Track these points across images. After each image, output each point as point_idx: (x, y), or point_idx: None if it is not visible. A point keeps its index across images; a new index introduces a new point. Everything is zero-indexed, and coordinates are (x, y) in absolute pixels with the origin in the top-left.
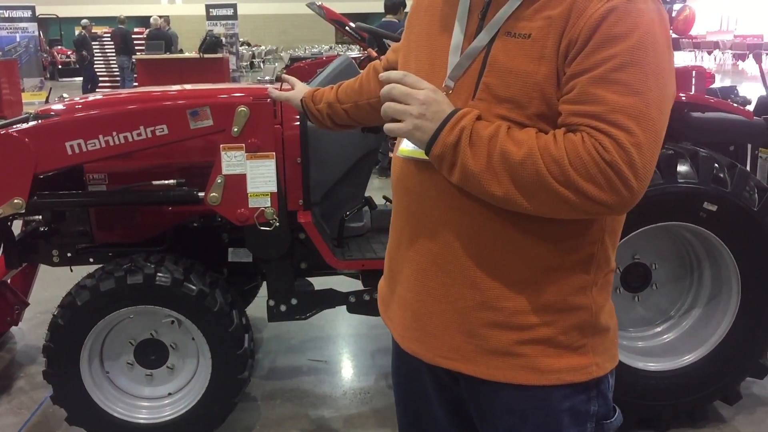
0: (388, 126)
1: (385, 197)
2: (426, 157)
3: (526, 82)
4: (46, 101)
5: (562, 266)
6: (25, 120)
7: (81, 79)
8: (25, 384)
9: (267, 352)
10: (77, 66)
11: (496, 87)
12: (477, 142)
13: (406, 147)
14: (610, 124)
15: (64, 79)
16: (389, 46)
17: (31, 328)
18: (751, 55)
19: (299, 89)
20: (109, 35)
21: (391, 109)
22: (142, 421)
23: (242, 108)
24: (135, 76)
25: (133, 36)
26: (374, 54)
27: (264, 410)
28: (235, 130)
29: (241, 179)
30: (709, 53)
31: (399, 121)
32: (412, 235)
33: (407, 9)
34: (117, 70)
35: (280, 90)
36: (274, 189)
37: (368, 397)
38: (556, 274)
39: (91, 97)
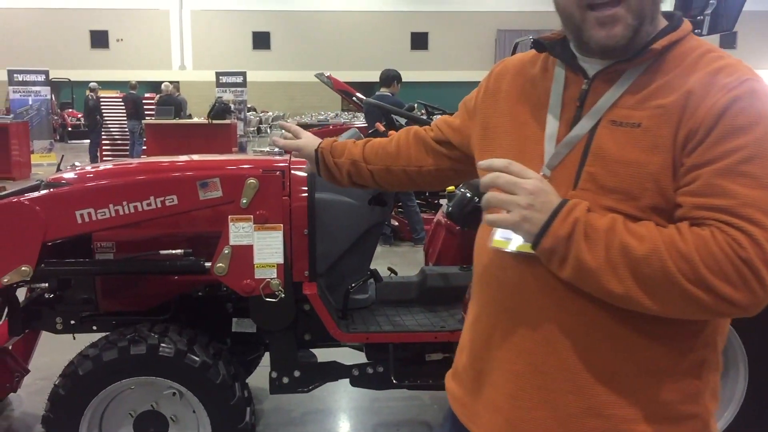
0: (490, 217)
1: (389, 268)
2: (531, 251)
3: (637, 173)
4: (58, 169)
5: (676, 371)
6: (37, 188)
7: (89, 141)
8: None
9: (267, 424)
10: (86, 129)
11: (602, 177)
12: (592, 235)
13: (501, 238)
14: (743, 218)
15: (73, 141)
16: (398, 121)
17: (30, 395)
18: None
19: (309, 139)
20: (120, 99)
21: (496, 199)
22: None
23: (251, 180)
24: (144, 140)
25: (143, 101)
26: (382, 128)
27: None
28: (244, 201)
29: (248, 250)
30: None
31: (495, 210)
32: (505, 332)
33: (402, 82)
34: (125, 133)
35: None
36: (281, 260)
37: None
38: (669, 379)
39: (102, 166)
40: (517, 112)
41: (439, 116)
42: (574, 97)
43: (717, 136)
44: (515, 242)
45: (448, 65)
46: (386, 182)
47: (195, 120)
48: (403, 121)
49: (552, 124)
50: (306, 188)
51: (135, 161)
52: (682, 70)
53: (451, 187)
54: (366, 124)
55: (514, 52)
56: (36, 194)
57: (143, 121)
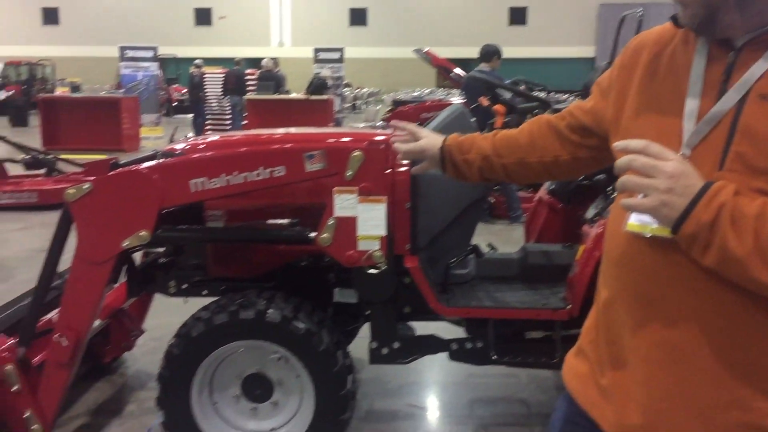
0: (626, 202)
1: (489, 244)
2: (669, 236)
3: None
4: (171, 140)
5: None
6: (153, 158)
7: (192, 116)
8: (136, 408)
9: (365, 394)
10: (189, 104)
11: (751, 157)
12: (740, 222)
13: (637, 222)
14: None
15: (178, 116)
16: (502, 96)
17: (143, 354)
18: None
19: (431, 138)
20: (221, 75)
21: (632, 183)
22: None
23: (357, 152)
24: (245, 115)
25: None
26: (486, 102)
27: None
28: (349, 173)
29: (352, 222)
30: None
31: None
32: (641, 320)
33: (502, 57)
34: (226, 108)
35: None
36: (384, 233)
37: None
38: None
39: (213, 138)
40: (655, 88)
41: (539, 93)
42: (718, 71)
43: None
44: (652, 226)
45: (547, 41)
46: (520, 176)
47: (293, 95)
48: (507, 95)
49: (693, 100)
50: (409, 161)
51: (243, 133)
52: None
53: None
54: (464, 100)
55: (620, 27)
56: (153, 163)
57: (245, 97)
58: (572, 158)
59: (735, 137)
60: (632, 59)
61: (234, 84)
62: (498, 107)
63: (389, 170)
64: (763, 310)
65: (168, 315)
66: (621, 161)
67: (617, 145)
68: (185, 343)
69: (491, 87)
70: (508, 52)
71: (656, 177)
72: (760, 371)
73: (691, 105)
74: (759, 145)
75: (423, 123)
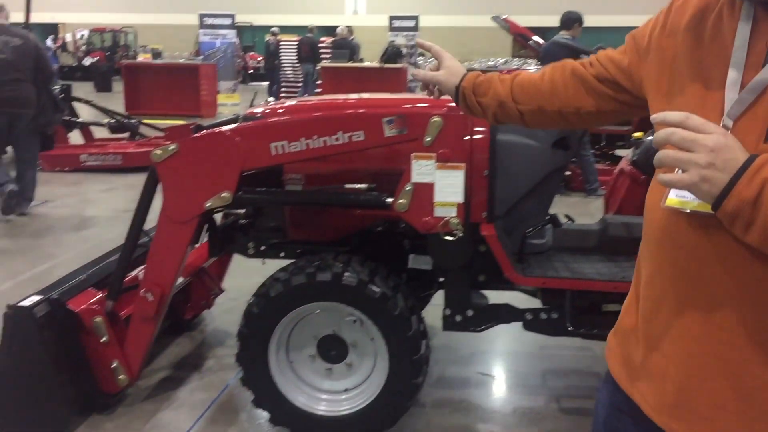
0: (664, 177)
1: (566, 216)
2: (710, 212)
3: None
4: (251, 105)
5: None
6: (234, 121)
7: (267, 83)
8: (214, 364)
9: (436, 360)
10: (265, 71)
11: None
12: None
13: (676, 198)
14: None
15: (253, 83)
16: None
17: (221, 314)
18: None
19: (452, 69)
20: (296, 43)
21: (671, 158)
22: (320, 413)
23: (436, 118)
24: (319, 83)
25: (319, 45)
26: None
27: (432, 417)
28: (428, 139)
29: (429, 188)
30: None
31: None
32: (681, 298)
33: (583, 25)
34: (299, 76)
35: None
36: (461, 200)
37: (538, 418)
38: None
39: (292, 102)
40: (699, 52)
41: None
42: (764, 37)
43: None
44: (692, 203)
45: (629, 9)
46: (536, 122)
47: (367, 63)
48: None
49: (736, 68)
50: (488, 129)
51: (322, 98)
52: None
53: (639, 134)
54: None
55: None
56: (236, 126)
57: (318, 65)
58: (596, 110)
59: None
60: (675, 20)
61: (307, 52)
62: None
63: (468, 137)
64: None
65: (244, 276)
66: (659, 134)
67: (655, 117)
68: (264, 302)
69: (575, 52)
70: (589, 21)
71: (696, 151)
72: None
73: (734, 73)
74: None
75: None
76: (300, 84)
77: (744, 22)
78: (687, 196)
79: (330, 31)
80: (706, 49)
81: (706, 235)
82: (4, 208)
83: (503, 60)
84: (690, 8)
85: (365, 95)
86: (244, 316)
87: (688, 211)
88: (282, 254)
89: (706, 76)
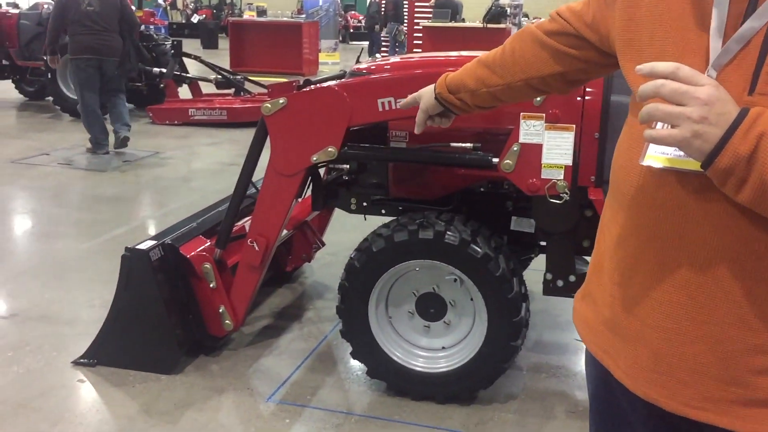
0: (652, 133)
1: None
2: (697, 170)
3: None
4: (357, 61)
5: None
6: (342, 77)
7: (367, 43)
8: (314, 316)
9: (533, 325)
10: (365, 31)
11: None
12: None
13: (657, 154)
14: None
15: (354, 42)
16: None
17: (320, 267)
18: None
19: (422, 90)
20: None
21: (660, 111)
22: (417, 369)
23: None
24: (403, 43)
25: (420, 4)
26: None
27: (528, 381)
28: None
29: (537, 149)
30: None
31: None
32: (660, 260)
33: None
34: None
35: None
36: (569, 162)
37: None
38: None
39: (395, 59)
40: (675, 2)
41: None
42: None
43: None
44: (676, 159)
45: None
46: (508, 98)
47: (469, 24)
48: None
49: (719, 14)
50: (602, 90)
51: (429, 55)
52: None
53: None
54: None
55: None
56: (343, 81)
57: (403, 26)
58: (562, 73)
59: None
60: None
61: (391, 10)
62: None
63: (580, 98)
64: None
65: (344, 232)
66: (645, 87)
67: (641, 68)
68: (366, 257)
69: None
70: None
71: (688, 104)
72: None
73: (718, 19)
74: None
75: None
76: (397, 43)
77: None
78: (669, 152)
79: None
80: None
81: (692, 194)
82: (118, 143)
83: None
84: None
85: (469, 53)
86: (345, 270)
87: (673, 169)
88: (383, 211)
89: (682, 23)
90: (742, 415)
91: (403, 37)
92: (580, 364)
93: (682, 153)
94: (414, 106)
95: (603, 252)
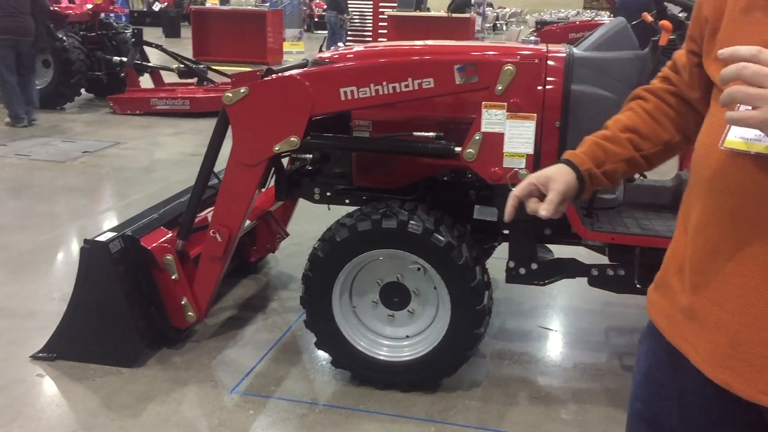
0: (734, 115)
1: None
2: None
3: None
4: (320, 50)
5: None
6: (304, 66)
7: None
8: (278, 306)
9: (497, 312)
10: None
11: None
12: None
13: (738, 139)
14: None
15: (318, 32)
16: (670, 11)
17: (285, 258)
18: None
19: (556, 179)
20: None
21: (741, 93)
22: (381, 358)
23: (509, 67)
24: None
25: None
26: (650, 18)
27: (492, 368)
28: (499, 88)
29: (499, 138)
30: None
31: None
32: (739, 243)
33: None
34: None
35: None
36: (531, 151)
37: (599, 374)
38: None
39: (359, 48)
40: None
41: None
42: None
43: None
44: (757, 144)
45: None
46: (662, 159)
47: (434, 13)
48: (676, 10)
49: None
50: (562, 79)
51: (393, 44)
52: None
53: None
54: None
55: None
56: (306, 70)
57: (345, 15)
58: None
59: None
60: None
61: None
62: (664, 23)
63: (541, 87)
64: None
65: (308, 222)
66: (727, 70)
67: (722, 52)
68: (329, 246)
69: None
70: None
71: (765, 86)
72: None
73: None
74: None
75: (572, 43)
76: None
77: None
78: (751, 136)
79: None
80: None
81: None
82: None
83: (575, 12)
84: None
85: (433, 42)
86: (309, 260)
87: (753, 152)
88: (347, 201)
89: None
90: None
91: (343, 25)
92: (543, 351)
93: (762, 136)
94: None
95: (682, 240)
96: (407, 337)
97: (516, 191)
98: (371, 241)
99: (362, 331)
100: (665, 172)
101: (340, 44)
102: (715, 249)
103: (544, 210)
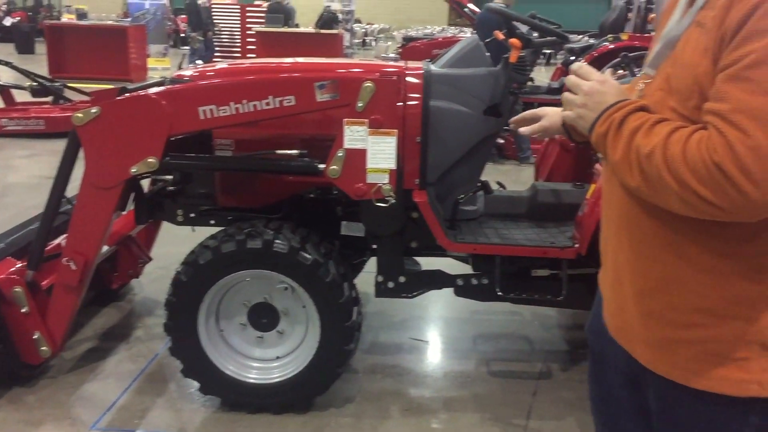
0: (562, 113)
1: (498, 182)
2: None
3: (689, 75)
4: (179, 68)
5: (723, 271)
6: (161, 84)
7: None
8: (143, 334)
9: (369, 326)
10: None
11: (672, 78)
12: (622, 134)
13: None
14: (729, 123)
15: (185, 48)
16: (519, 30)
17: (150, 282)
18: None
19: (548, 116)
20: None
21: (563, 98)
22: (251, 381)
23: (368, 83)
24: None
25: (253, 9)
26: (501, 36)
27: (365, 383)
28: (360, 105)
29: (361, 154)
30: None
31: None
32: (604, 230)
33: None
34: (235, 39)
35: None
36: (394, 166)
37: (468, 381)
38: (716, 277)
39: (221, 65)
40: (666, 18)
41: (554, 28)
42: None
43: (738, 41)
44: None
45: None
46: None
47: (303, 29)
48: (524, 29)
49: (670, 23)
50: (421, 95)
51: (254, 61)
52: None
53: None
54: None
55: None
56: (162, 89)
57: (210, 33)
58: None
59: (671, 61)
60: None
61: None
62: (514, 41)
63: (401, 103)
64: (652, 213)
65: (174, 244)
66: (566, 80)
67: (571, 67)
68: (193, 270)
69: (509, 18)
70: None
71: (577, 94)
72: (657, 267)
73: (667, 27)
74: (677, 67)
75: (434, 58)
76: (235, 48)
77: None
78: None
79: None
80: (669, 15)
81: (611, 177)
82: None
83: (440, 28)
84: None
85: (299, 59)
86: (172, 285)
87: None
88: (212, 221)
89: (659, 32)
90: (639, 348)
91: (197, 44)
92: (415, 362)
93: None
94: None
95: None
96: (277, 358)
97: (512, 120)
98: (236, 263)
99: (231, 355)
100: (525, 182)
101: (199, 61)
102: (603, 236)
103: (522, 128)
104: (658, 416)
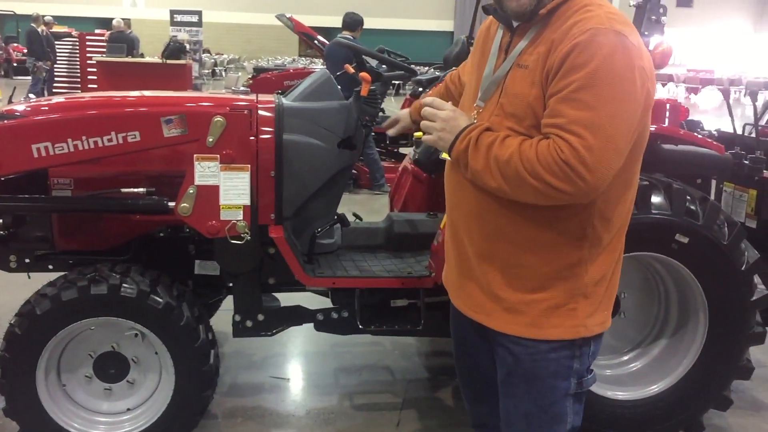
0: (423, 138)
1: (354, 214)
2: (449, 158)
3: (522, 102)
4: (10, 101)
5: (555, 243)
6: None
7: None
8: None
9: (228, 367)
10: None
11: (506, 106)
12: (480, 148)
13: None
14: (568, 132)
15: (18, 77)
16: (368, 63)
17: None
18: (702, 89)
19: (403, 116)
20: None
21: (423, 125)
22: None
23: (218, 118)
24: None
25: (93, 38)
26: (351, 69)
27: (225, 429)
28: (210, 140)
29: (213, 191)
30: (663, 85)
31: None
32: (450, 217)
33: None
34: (74, 70)
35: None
36: (247, 202)
37: (332, 417)
38: (553, 250)
39: (57, 99)
40: (480, 57)
41: (402, 61)
42: (505, 46)
43: (562, 73)
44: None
45: (407, 13)
46: None
47: (148, 59)
48: (373, 62)
49: (489, 67)
50: (274, 129)
51: (94, 95)
52: (558, 25)
53: (419, 134)
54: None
55: (478, 2)
56: None
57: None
58: None
59: (502, 93)
60: (477, 37)
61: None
62: (364, 75)
63: (253, 137)
64: (498, 203)
65: (8, 292)
66: (422, 111)
67: (424, 101)
68: (29, 321)
69: (357, 53)
70: (368, 23)
71: (435, 121)
72: (521, 261)
73: (488, 71)
74: (509, 97)
75: (286, 90)
76: (74, 80)
77: (497, 38)
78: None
79: (106, 23)
80: (481, 57)
81: (456, 175)
82: None
83: (291, 59)
84: (483, 30)
85: (145, 92)
86: (5, 339)
87: (447, 159)
88: (51, 267)
89: (479, 73)
90: (485, 311)
91: (44, 74)
92: (276, 402)
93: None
94: None
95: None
96: (128, 410)
97: (385, 123)
98: (79, 311)
99: (75, 411)
100: (380, 211)
101: (32, 95)
102: (448, 221)
103: (390, 131)
104: (509, 368)
